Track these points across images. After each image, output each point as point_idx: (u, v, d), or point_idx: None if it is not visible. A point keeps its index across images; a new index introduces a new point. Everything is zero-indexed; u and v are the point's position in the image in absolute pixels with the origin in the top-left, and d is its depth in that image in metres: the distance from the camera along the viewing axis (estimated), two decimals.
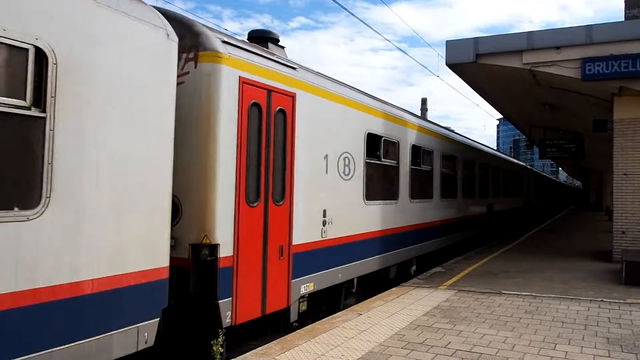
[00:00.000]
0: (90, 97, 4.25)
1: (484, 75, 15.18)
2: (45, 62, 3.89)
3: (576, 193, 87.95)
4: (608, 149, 14.14)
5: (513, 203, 25.13)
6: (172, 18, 5.84)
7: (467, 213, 16.35)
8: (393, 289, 9.74)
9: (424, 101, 41.70)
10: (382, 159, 10.08)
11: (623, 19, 15.32)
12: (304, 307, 7.44)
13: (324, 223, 7.87)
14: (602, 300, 8.71)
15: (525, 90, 16.90)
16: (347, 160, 8.61)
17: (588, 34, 12.61)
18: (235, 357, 5.70)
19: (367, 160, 9.39)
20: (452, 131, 17.40)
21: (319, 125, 7.86)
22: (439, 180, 13.48)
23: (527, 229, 25.59)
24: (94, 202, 4.24)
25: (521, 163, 31.61)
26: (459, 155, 15.45)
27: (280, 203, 6.85)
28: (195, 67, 5.96)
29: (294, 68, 7.49)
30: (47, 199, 3.88)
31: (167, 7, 6.54)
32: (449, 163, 14.64)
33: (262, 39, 7.80)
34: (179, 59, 5.56)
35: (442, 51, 14.38)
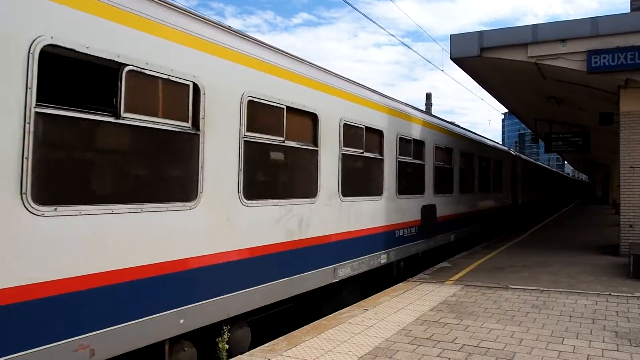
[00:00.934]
0: None
1: (489, 69, 15.10)
2: None
3: (582, 187, 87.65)
4: (614, 142, 14.05)
5: (487, 202, 18.42)
6: None
7: (382, 222, 9.80)
8: (399, 284, 9.72)
9: (428, 96, 41.68)
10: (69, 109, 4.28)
11: (629, 11, 15.20)
12: None
13: None
14: (609, 294, 8.66)
15: (530, 84, 16.80)
16: None
17: (593, 26, 12.50)
18: (241, 354, 5.71)
19: None
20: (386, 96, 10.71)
21: None
22: (286, 164, 7.26)
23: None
24: None
25: (502, 147, 24.14)
26: (365, 123, 9.06)
27: None
28: None
29: None
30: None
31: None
32: (349, 136, 8.53)
33: None
34: None
35: (446, 45, 14.11)
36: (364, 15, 15.39)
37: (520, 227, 23.20)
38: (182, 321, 5.18)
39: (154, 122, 4.96)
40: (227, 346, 5.68)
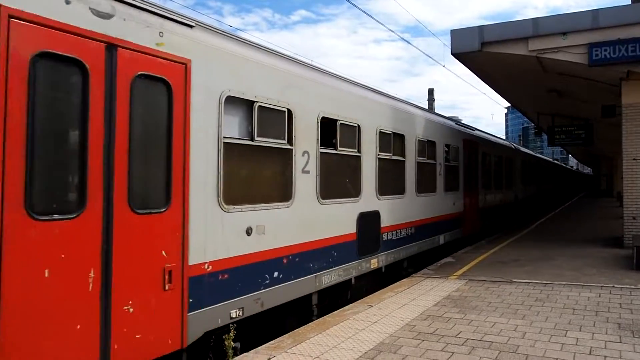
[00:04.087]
0: None
1: (490, 63, 15.09)
2: None
3: (586, 180, 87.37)
4: (618, 135, 14.07)
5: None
6: None
7: None
8: (403, 280, 9.77)
9: (430, 91, 41.54)
10: None
11: (629, 2, 15.16)
12: None
13: None
14: (613, 287, 8.69)
15: (532, 78, 16.79)
16: None
17: (594, 19, 12.50)
18: (247, 352, 5.77)
19: None
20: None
21: None
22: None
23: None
24: None
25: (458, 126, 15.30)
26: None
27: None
28: None
29: None
30: None
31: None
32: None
33: None
34: None
35: (447, 40, 14.11)
36: (363, 11, 15.40)
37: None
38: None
39: None
40: (233, 344, 5.75)
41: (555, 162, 52.51)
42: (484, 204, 17.14)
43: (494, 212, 18.64)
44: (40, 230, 3.90)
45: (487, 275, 9.89)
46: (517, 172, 23.53)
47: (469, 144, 15.45)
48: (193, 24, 5.58)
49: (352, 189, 8.79)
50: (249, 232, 6.24)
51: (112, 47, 4.56)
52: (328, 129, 8.11)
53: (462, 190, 14.74)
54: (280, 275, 6.81)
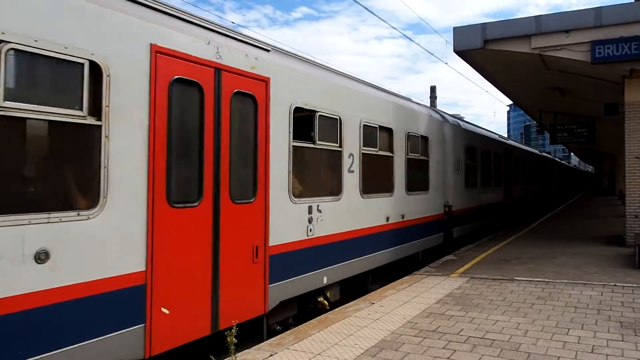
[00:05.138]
0: None
1: (493, 61, 15.06)
2: None
3: (588, 178, 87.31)
4: (620, 133, 14.05)
5: None
6: None
7: None
8: (405, 277, 9.78)
9: (433, 89, 41.45)
10: None
11: (632, 0, 15.11)
12: None
13: None
14: (615, 285, 8.68)
15: (534, 75, 16.74)
16: None
17: (597, 17, 12.46)
18: (249, 348, 5.78)
19: None
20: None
21: None
22: None
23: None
24: None
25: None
26: None
27: None
28: None
29: None
30: None
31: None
32: None
33: None
34: None
35: (449, 37, 14.05)
36: (365, 7, 15.39)
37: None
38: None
39: None
40: (235, 340, 5.75)
41: (546, 155, 38.77)
42: (321, 232, 7.71)
43: (358, 245, 8.77)
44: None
45: (489, 273, 9.89)
46: (454, 165, 13.87)
47: (250, 84, 6.24)
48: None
49: None
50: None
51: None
52: None
53: (144, 212, 4.93)
54: None
